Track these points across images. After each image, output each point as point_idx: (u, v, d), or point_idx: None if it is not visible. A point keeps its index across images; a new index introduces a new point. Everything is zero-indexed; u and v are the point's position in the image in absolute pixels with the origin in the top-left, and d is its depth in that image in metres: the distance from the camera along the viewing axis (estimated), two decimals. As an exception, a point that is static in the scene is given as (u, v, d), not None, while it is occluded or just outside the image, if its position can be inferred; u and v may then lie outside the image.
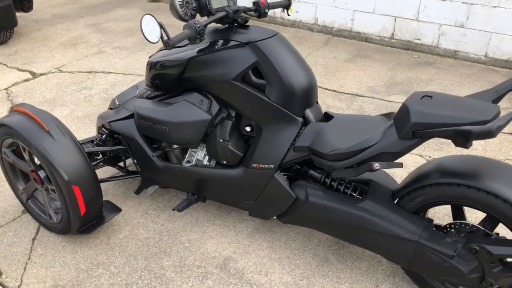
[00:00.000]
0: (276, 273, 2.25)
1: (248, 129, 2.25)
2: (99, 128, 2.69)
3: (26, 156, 2.33)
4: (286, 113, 2.12)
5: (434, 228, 1.94)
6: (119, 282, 2.20)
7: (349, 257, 2.34)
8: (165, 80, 2.34)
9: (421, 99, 1.82)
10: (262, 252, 2.38)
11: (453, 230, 1.94)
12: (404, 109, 1.80)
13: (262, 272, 2.26)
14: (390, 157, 1.84)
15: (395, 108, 3.81)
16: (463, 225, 1.91)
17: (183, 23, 5.08)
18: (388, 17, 5.03)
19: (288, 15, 2.55)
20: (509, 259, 1.87)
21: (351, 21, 5.29)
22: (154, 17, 1.83)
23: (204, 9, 2.18)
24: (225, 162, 2.31)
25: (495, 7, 4.38)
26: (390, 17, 5.01)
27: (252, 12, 2.31)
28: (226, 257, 2.35)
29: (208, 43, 2.20)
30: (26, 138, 2.17)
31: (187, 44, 2.29)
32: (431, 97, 1.82)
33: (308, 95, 2.15)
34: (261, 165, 2.18)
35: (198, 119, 2.22)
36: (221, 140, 2.27)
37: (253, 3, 2.32)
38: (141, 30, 1.80)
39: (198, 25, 1.98)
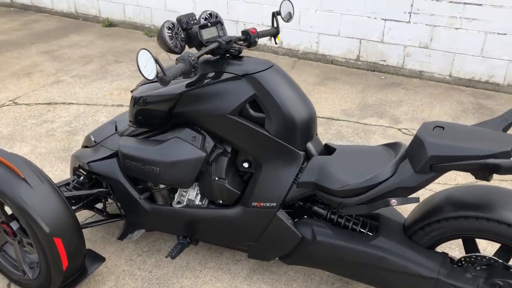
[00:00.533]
0: (282, 319, 2.11)
1: (245, 165, 2.11)
2: (75, 169, 2.46)
3: (-4, 207, 2.07)
4: (288, 147, 2.00)
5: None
6: None
7: (354, 295, 2.23)
8: (152, 116, 2.17)
9: (433, 130, 1.77)
10: (263, 295, 2.23)
11: (468, 263, 1.87)
12: (418, 142, 1.73)
13: (267, 318, 2.11)
14: (406, 192, 1.76)
15: (372, 131, 3.79)
16: (479, 258, 1.85)
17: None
18: (353, 40, 5.07)
19: (276, 43, 2.46)
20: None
21: (316, 44, 5.29)
22: (149, 52, 1.68)
23: (195, 40, 2.05)
24: (221, 201, 2.16)
25: (457, 28, 4.52)
26: (355, 40, 5.05)
27: (242, 42, 2.20)
28: (226, 304, 2.18)
29: (199, 76, 2.06)
30: (-2, 188, 1.92)
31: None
32: (443, 127, 1.77)
33: (309, 128, 2.05)
34: (262, 204, 2.05)
35: (192, 157, 2.06)
36: (216, 178, 2.11)
37: (242, 32, 2.21)
38: (138, 66, 1.64)
39: (193, 58, 1.85)
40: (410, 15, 4.66)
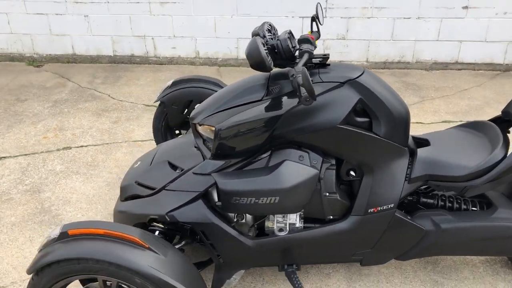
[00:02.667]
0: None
1: (352, 173, 2.05)
2: (138, 226, 2.07)
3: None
4: (396, 146, 2.01)
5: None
6: None
7: (452, 271, 2.34)
8: (247, 144, 1.94)
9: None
10: (378, 299, 2.21)
11: None
12: None
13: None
14: (525, 164, 1.94)
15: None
16: None
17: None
18: (273, 40, 5.16)
19: (315, 47, 2.42)
20: None
21: (236, 49, 5.26)
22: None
23: (287, 54, 1.92)
24: (331, 216, 2.06)
25: (369, 18, 4.95)
26: (275, 40, 5.16)
27: None
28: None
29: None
30: (124, 266, 1.53)
31: (258, 101, 1.95)
32: None
33: (408, 123, 2.08)
34: (379, 208, 2.02)
35: (309, 177, 1.93)
36: (327, 194, 2.01)
37: (302, 40, 2.13)
38: (305, 87, 1.51)
39: (308, 72, 1.74)
40: (326, 10, 4.96)
